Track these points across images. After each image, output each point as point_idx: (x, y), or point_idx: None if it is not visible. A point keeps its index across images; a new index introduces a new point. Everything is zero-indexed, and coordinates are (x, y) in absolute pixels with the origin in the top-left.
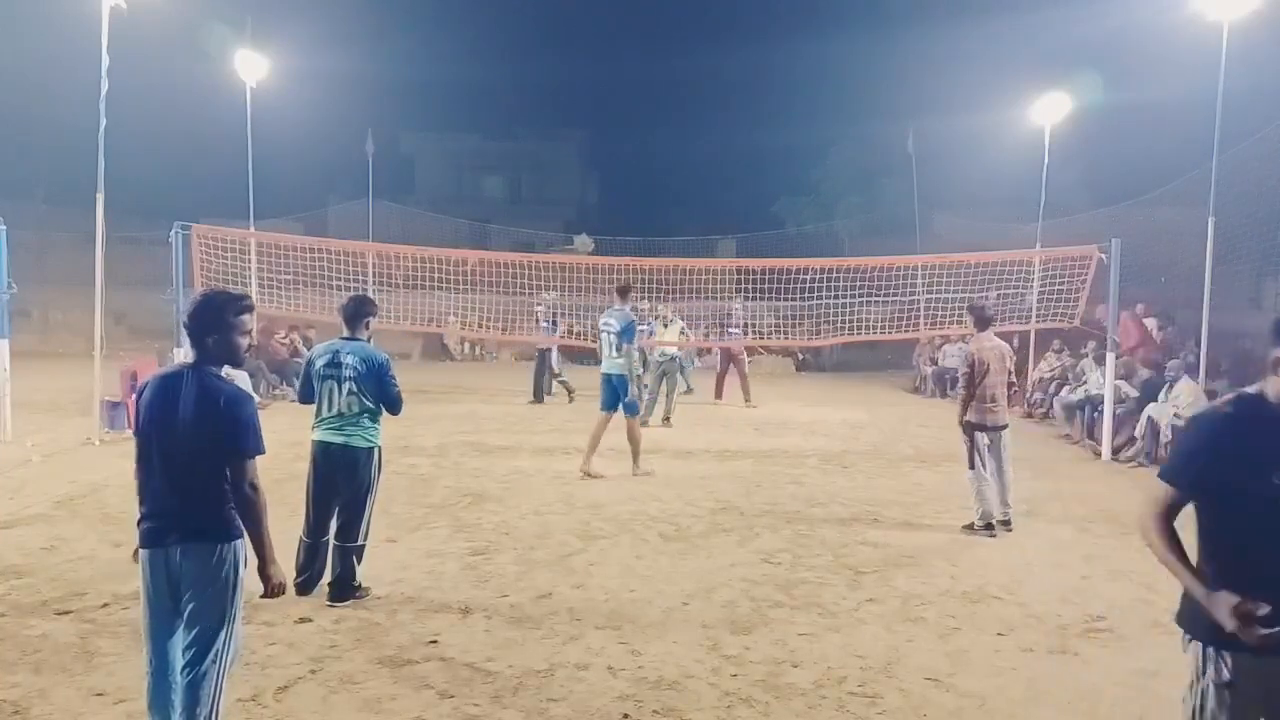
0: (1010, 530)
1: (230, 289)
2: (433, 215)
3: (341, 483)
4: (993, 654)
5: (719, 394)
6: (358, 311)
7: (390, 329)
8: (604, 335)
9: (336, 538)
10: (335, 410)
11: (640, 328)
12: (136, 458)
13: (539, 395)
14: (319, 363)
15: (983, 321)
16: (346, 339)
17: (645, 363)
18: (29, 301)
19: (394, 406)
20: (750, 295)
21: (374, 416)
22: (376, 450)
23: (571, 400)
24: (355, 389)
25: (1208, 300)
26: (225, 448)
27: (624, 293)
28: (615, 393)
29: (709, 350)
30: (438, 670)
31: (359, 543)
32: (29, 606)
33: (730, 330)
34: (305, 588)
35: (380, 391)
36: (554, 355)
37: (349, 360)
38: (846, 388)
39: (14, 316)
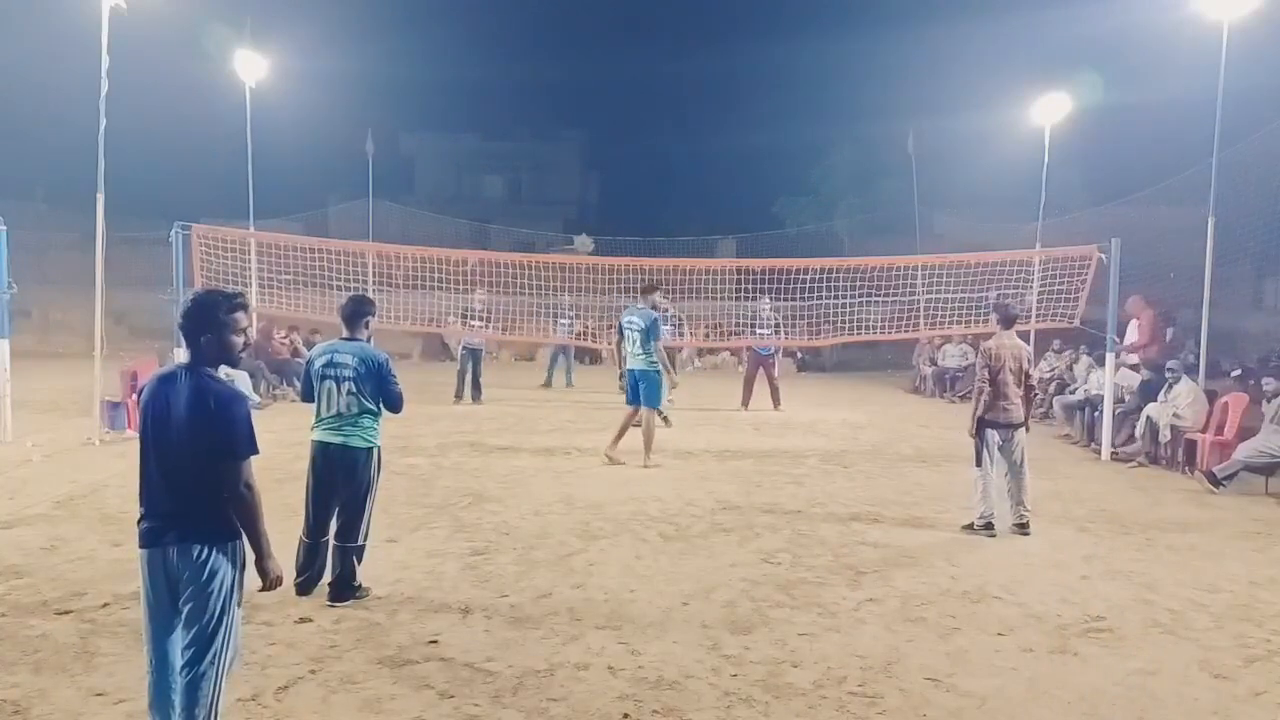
0: (1027, 534)
1: (223, 288)
2: (433, 215)
3: (341, 483)
4: (993, 654)
5: (746, 402)
6: (356, 311)
7: (390, 329)
8: (628, 333)
9: (336, 538)
10: (334, 410)
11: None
12: (139, 458)
13: (472, 393)
14: (318, 363)
15: (1007, 320)
16: (346, 339)
17: (673, 361)
18: (29, 301)
19: (395, 405)
20: (750, 295)
21: (374, 417)
22: (376, 450)
23: (469, 402)
24: (354, 389)
25: (1208, 300)
26: (218, 449)
27: (647, 291)
28: (638, 387)
29: (710, 351)
30: (438, 670)
31: (359, 543)
32: (29, 606)
33: (759, 330)
34: (305, 588)
35: (381, 391)
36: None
37: (348, 360)
38: (846, 388)
39: (14, 316)
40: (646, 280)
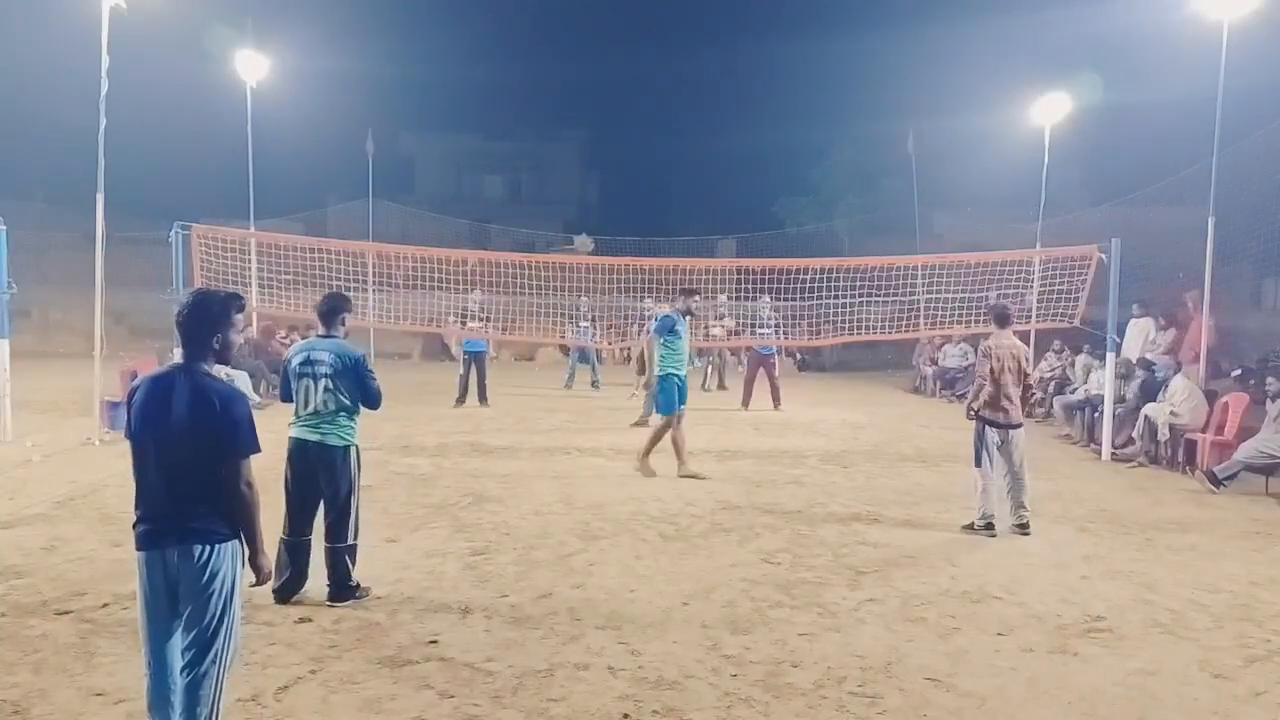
0: (1027, 534)
1: (221, 288)
2: (433, 215)
3: (321, 482)
4: (993, 654)
5: (746, 402)
6: (333, 309)
7: (390, 329)
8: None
9: (327, 540)
10: (311, 408)
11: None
12: (132, 461)
13: (478, 397)
14: (295, 361)
15: (1002, 320)
16: (322, 336)
17: (691, 359)
18: (29, 301)
19: (373, 401)
20: (750, 295)
21: (350, 414)
22: (353, 449)
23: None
24: (331, 385)
25: (1208, 300)
26: (222, 447)
27: (685, 294)
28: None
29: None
30: (438, 670)
31: (350, 542)
32: (29, 606)
33: (760, 331)
34: (283, 595)
35: (358, 387)
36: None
37: (324, 357)
38: (846, 388)
39: (14, 316)
40: (688, 283)
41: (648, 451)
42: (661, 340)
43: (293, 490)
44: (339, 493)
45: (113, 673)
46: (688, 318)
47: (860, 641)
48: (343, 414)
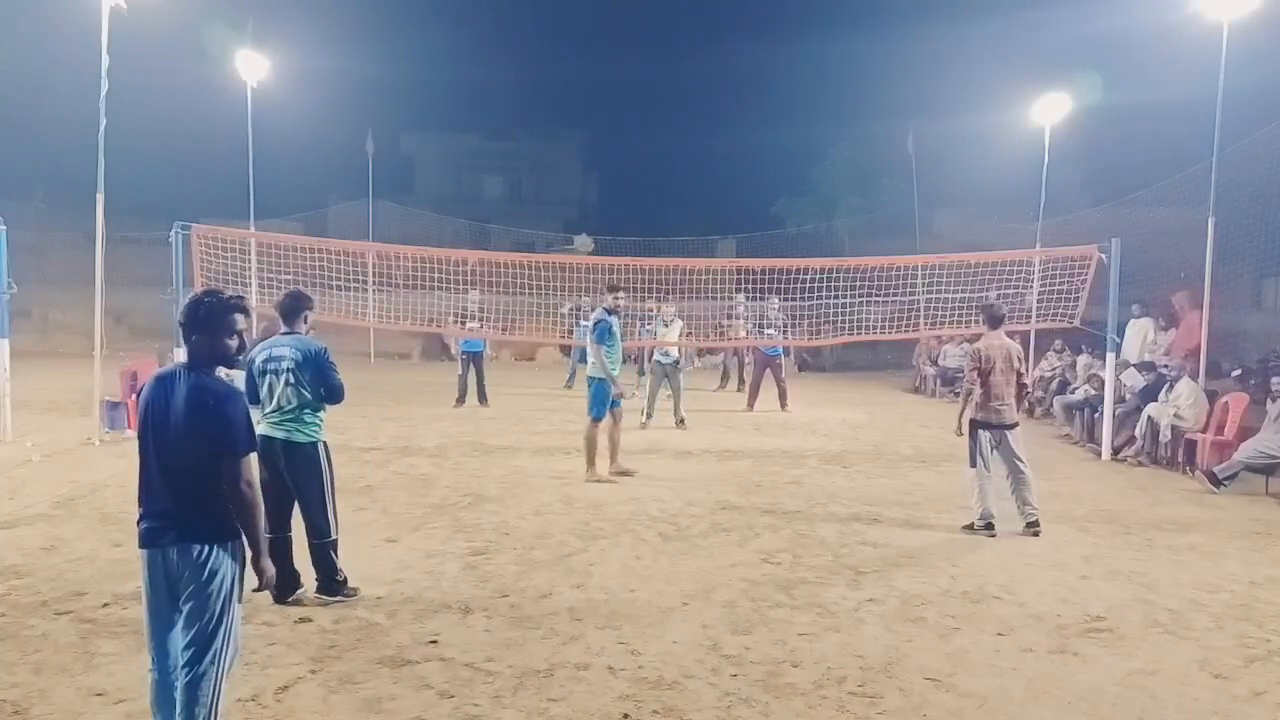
0: (1038, 534)
1: (223, 290)
2: (433, 215)
3: (291, 478)
4: (993, 654)
5: (751, 403)
6: (294, 307)
7: (390, 329)
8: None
9: (308, 537)
10: (275, 404)
11: (647, 328)
12: (138, 458)
13: (478, 398)
14: (258, 360)
15: (994, 320)
16: (285, 334)
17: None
18: (29, 301)
19: (335, 395)
20: (750, 295)
21: (314, 410)
22: (321, 445)
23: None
24: (293, 380)
25: (1208, 300)
26: (217, 446)
27: (610, 290)
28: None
29: (710, 351)
30: (438, 670)
31: (331, 537)
32: (29, 606)
33: (767, 331)
34: (280, 595)
35: (320, 379)
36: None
37: (285, 353)
38: (846, 388)
39: (14, 316)
40: (613, 279)
41: (613, 457)
42: (596, 344)
43: (267, 486)
44: (311, 489)
45: (113, 673)
46: (615, 315)
47: (860, 641)
48: (306, 410)
